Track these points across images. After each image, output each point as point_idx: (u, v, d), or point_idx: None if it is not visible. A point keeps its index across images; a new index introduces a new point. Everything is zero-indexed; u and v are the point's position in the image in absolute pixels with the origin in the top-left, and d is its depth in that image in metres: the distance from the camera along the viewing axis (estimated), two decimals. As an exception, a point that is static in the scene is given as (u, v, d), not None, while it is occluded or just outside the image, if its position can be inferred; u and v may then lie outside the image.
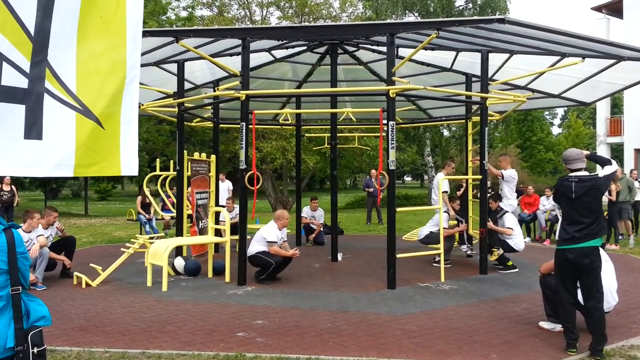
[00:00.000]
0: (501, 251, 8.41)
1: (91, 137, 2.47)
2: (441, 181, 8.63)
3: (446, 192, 9.02)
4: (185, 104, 9.09)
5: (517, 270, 8.41)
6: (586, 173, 4.85)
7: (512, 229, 8.48)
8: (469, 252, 9.59)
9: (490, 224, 8.45)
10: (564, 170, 5.05)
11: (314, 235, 11.75)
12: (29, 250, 7.28)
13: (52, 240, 7.99)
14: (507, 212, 8.70)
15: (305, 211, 12.10)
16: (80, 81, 2.45)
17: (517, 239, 8.52)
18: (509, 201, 9.01)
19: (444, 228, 8.27)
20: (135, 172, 2.54)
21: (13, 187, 14.03)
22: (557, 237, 5.02)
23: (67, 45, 2.45)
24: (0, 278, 2.59)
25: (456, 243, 9.67)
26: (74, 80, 2.45)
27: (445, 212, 8.71)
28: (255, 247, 7.64)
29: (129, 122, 2.56)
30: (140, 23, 2.64)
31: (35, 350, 2.67)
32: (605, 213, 11.84)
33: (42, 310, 2.79)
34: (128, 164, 2.55)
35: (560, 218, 11.75)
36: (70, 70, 2.44)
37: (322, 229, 11.92)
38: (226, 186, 13.76)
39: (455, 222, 9.35)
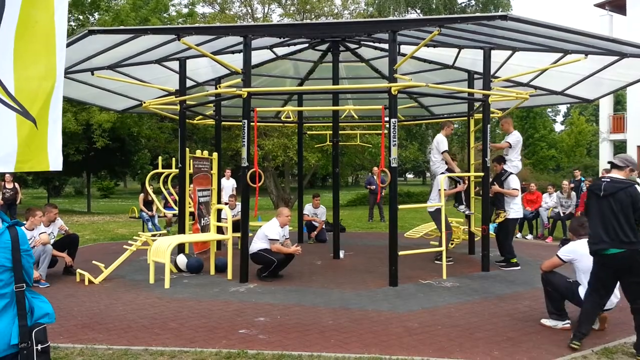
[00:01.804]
0: (508, 214, 8.42)
1: (29, 136, 2.67)
2: (440, 141, 8.69)
3: (447, 150, 8.95)
4: (187, 102, 9.09)
5: (519, 267, 8.41)
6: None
7: (517, 189, 8.47)
8: (467, 212, 9.44)
9: (495, 187, 8.46)
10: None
11: (315, 232, 11.76)
12: (33, 247, 7.32)
13: (55, 238, 8.02)
14: (511, 173, 8.64)
15: (307, 208, 12.09)
16: (18, 85, 2.64)
17: (517, 206, 8.53)
18: (513, 163, 8.87)
19: (445, 190, 8.32)
20: (60, 167, 2.74)
21: (16, 184, 14.06)
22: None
23: (5, 50, 2.63)
24: (4, 275, 2.60)
25: (454, 206, 9.58)
26: (12, 83, 2.63)
27: (442, 173, 8.71)
28: (257, 244, 7.65)
29: (54, 121, 2.76)
30: (65, 32, 2.81)
31: (39, 347, 2.68)
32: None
33: (46, 308, 2.80)
34: (55, 161, 2.76)
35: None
36: (9, 74, 2.63)
37: (324, 227, 11.92)
38: (231, 184, 13.77)
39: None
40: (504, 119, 9.51)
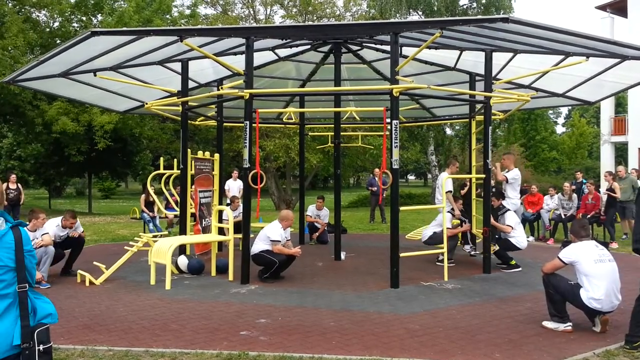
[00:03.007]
0: (497, 247, 8.49)
1: None
2: (445, 180, 8.63)
3: (450, 191, 9.03)
4: (189, 103, 9.11)
5: (520, 269, 8.41)
6: None
7: (511, 227, 8.48)
8: (472, 253, 9.59)
9: (491, 221, 8.47)
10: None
11: (317, 234, 11.76)
12: (35, 248, 7.34)
13: (64, 237, 8.03)
14: (508, 210, 8.70)
15: (311, 210, 12.09)
16: None
17: (520, 237, 8.52)
18: (512, 200, 9.02)
19: (448, 228, 8.27)
20: None
21: (19, 185, 14.09)
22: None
23: None
24: (8, 275, 2.60)
25: (459, 243, 9.67)
26: None
27: (448, 212, 8.71)
28: (259, 245, 7.65)
29: None
30: None
31: (41, 347, 2.67)
32: (603, 211, 11.84)
33: (48, 308, 2.80)
34: None
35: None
36: None
37: (325, 228, 11.92)
38: (237, 185, 13.70)
39: (459, 222, 9.35)
40: (506, 154, 9.60)
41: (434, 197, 9.53)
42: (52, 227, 7.74)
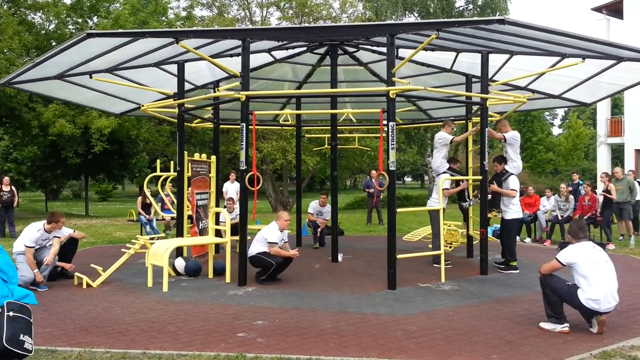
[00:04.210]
0: (505, 214, 8.45)
1: None
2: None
3: (446, 188, 9.02)
4: (185, 105, 9.10)
5: (518, 271, 8.42)
6: None
7: (515, 190, 8.47)
8: (474, 202, 9.43)
9: (494, 187, 8.47)
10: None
11: (320, 229, 11.42)
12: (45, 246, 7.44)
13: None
14: (512, 174, 8.64)
15: (313, 206, 11.80)
16: None
17: (516, 206, 8.54)
18: (514, 163, 8.88)
19: (444, 189, 8.30)
20: None
21: (13, 187, 14.04)
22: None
23: None
24: None
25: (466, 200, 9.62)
26: None
27: (444, 173, 8.85)
28: (256, 247, 7.64)
29: None
30: None
31: (12, 314, 2.75)
32: (599, 212, 11.87)
33: (26, 291, 2.91)
34: None
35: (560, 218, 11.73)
36: None
37: (326, 226, 11.73)
38: (235, 187, 13.65)
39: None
40: (500, 122, 9.52)
41: (430, 197, 9.51)
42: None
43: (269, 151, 21.63)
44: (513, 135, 8.98)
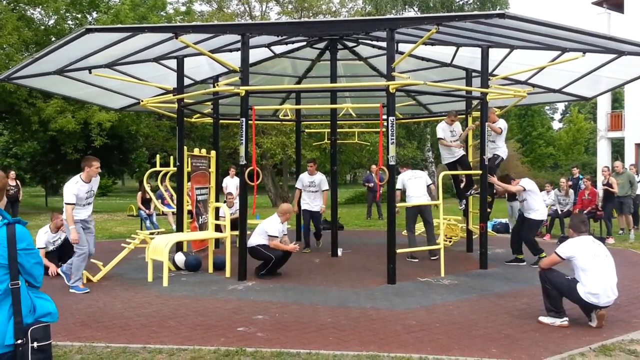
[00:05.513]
0: (529, 214, 8.49)
1: None
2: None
3: (442, 138, 9.18)
4: (185, 100, 9.09)
5: (524, 263, 8.44)
6: None
7: (523, 186, 8.52)
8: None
9: (493, 179, 8.62)
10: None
11: (321, 210, 10.09)
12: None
13: (58, 244, 8.01)
14: (503, 158, 8.95)
15: (301, 178, 10.19)
16: None
17: (543, 208, 8.72)
18: (502, 149, 9.05)
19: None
20: None
21: (18, 182, 14.05)
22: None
23: None
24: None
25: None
26: None
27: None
28: (256, 239, 7.64)
29: None
30: None
31: (35, 345, 2.67)
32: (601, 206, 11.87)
33: (48, 307, 2.80)
34: None
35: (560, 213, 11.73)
36: None
37: (322, 212, 11.18)
38: (235, 182, 13.60)
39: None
40: (489, 110, 9.55)
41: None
42: (42, 237, 7.73)
43: (268, 146, 21.63)
44: (503, 125, 9.14)
